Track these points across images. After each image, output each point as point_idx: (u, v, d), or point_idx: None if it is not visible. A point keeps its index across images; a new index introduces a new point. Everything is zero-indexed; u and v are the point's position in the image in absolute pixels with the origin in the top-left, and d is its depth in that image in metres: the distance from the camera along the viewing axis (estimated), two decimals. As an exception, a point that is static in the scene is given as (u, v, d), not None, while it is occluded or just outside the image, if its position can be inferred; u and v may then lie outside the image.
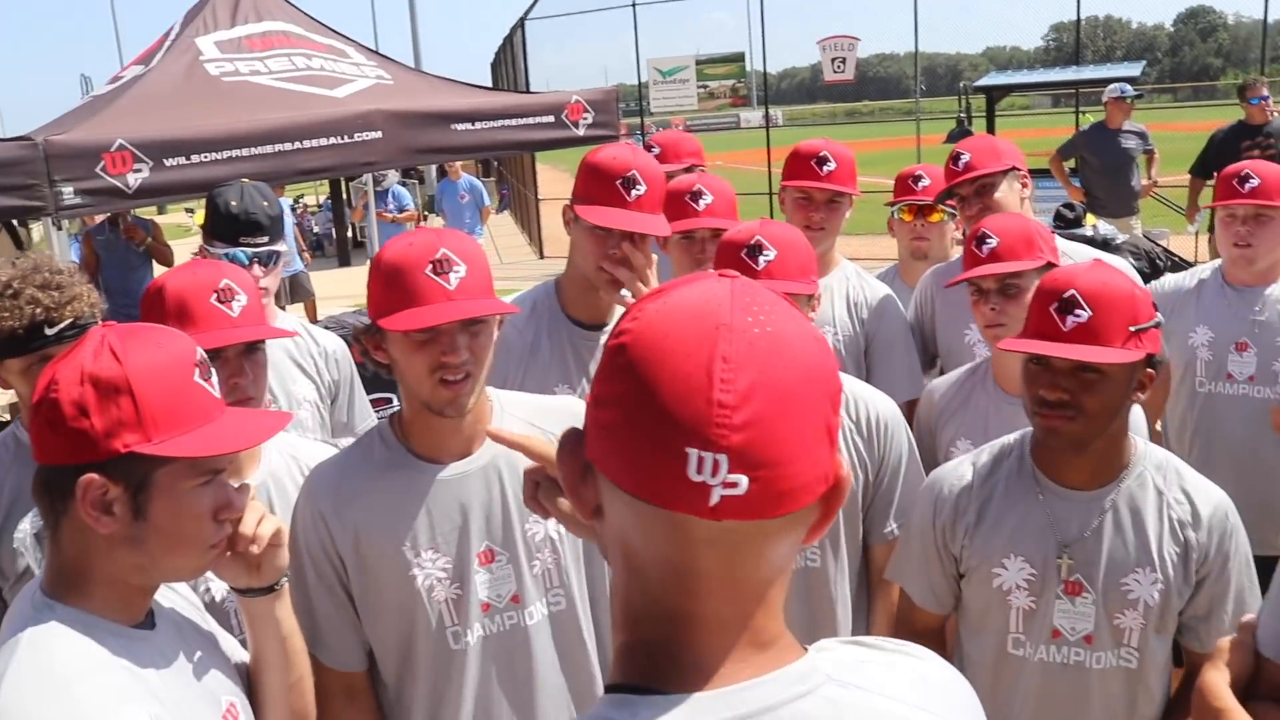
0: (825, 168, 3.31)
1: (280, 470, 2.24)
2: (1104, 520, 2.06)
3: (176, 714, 1.44)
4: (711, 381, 0.83)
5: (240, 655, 1.77)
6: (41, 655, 1.29)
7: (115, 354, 1.44)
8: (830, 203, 3.33)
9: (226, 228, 3.07)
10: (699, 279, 0.91)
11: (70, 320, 2.18)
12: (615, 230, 2.58)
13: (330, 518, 2.01)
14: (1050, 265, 2.57)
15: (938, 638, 2.30)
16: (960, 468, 2.23)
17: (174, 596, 1.70)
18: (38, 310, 2.15)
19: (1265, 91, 8.80)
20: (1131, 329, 1.97)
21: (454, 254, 1.89)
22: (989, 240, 2.62)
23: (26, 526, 2.24)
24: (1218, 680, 1.67)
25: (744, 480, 0.82)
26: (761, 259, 2.40)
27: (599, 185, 2.60)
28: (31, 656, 1.35)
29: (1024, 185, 3.29)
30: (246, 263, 2.94)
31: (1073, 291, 1.99)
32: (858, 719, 0.90)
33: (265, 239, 3.08)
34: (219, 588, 2.11)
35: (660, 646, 0.90)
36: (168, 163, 5.18)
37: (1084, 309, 1.97)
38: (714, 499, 0.83)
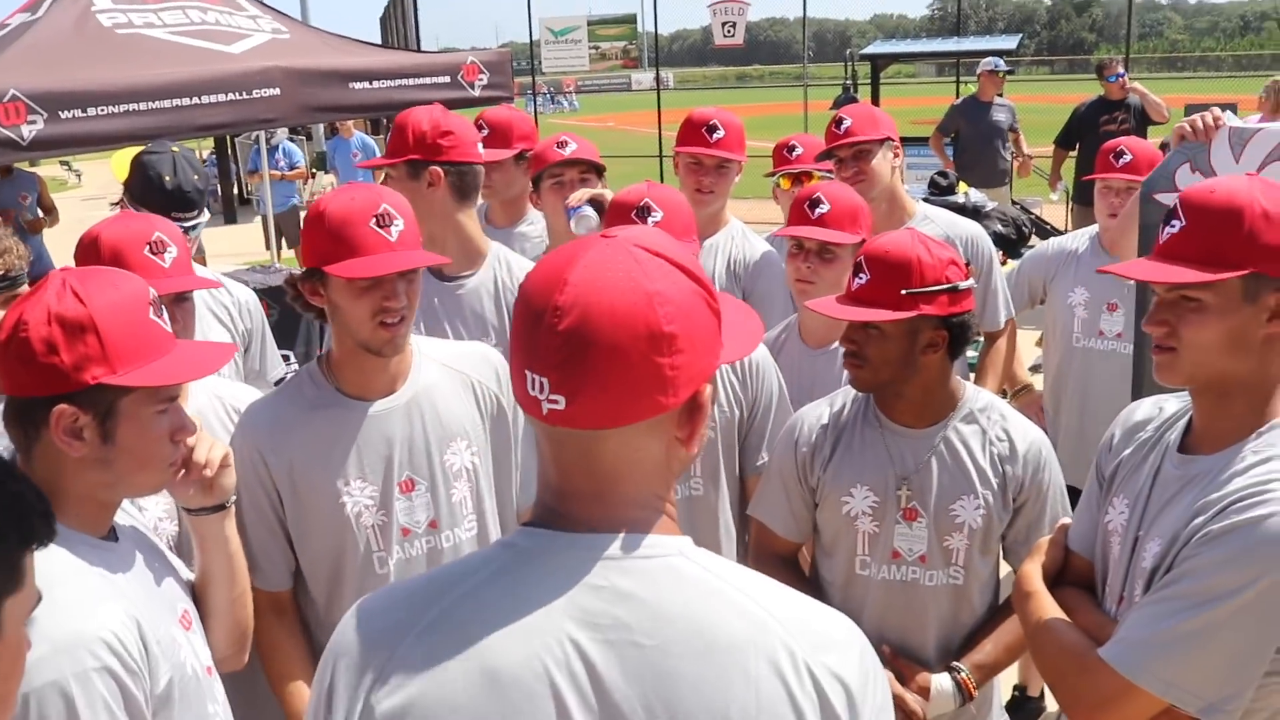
0: (715, 135, 3.55)
1: (205, 408, 2.38)
2: (934, 454, 2.34)
3: (143, 615, 1.60)
4: (542, 321, 1.08)
5: (186, 573, 1.94)
6: None
7: (78, 295, 1.59)
8: (719, 168, 3.57)
9: (157, 200, 3.16)
10: (588, 240, 1.15)
11: (2, 273, 2.28)
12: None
13: (266, 452, 2.18)
14: (863, 242, 2.81)
15: (792, 564, 2.56)
16: (818, 408, 2.49)
17: (128, 516, 1.86)
18: None
19: (1120, 69, 9.33)
20: (903, 292, 2.23)
21: (393, 208, 2.09)
22: (821, 205, 2.84)
23: None
24: (1031, 569, 2.00)
25: (562, 400, 1.08)
26: (650, 219, 2.62)
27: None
28: None
29: (896, 155, 3.56)
30: None
31: (860, 259, 2.30)
32: (687, 587, 1.10)
33: (194, 214, 3.20)
34: (151, 519, 2.25)
35: (548, 508, 1.16)
36: (63, 115, 5.17)
37: (864, 273, 2.27)
38: (543, 410, 1.09)
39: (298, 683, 2.22)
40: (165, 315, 1.71)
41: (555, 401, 1.08)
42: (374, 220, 2.07)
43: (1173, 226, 1.76)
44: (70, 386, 1.57)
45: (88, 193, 24.66)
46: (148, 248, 2.30)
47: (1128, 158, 3.77)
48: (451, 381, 2.32)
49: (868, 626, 2.31)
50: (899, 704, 2.22)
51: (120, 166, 5.34)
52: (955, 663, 2.31)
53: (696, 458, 1.19)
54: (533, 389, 1.09)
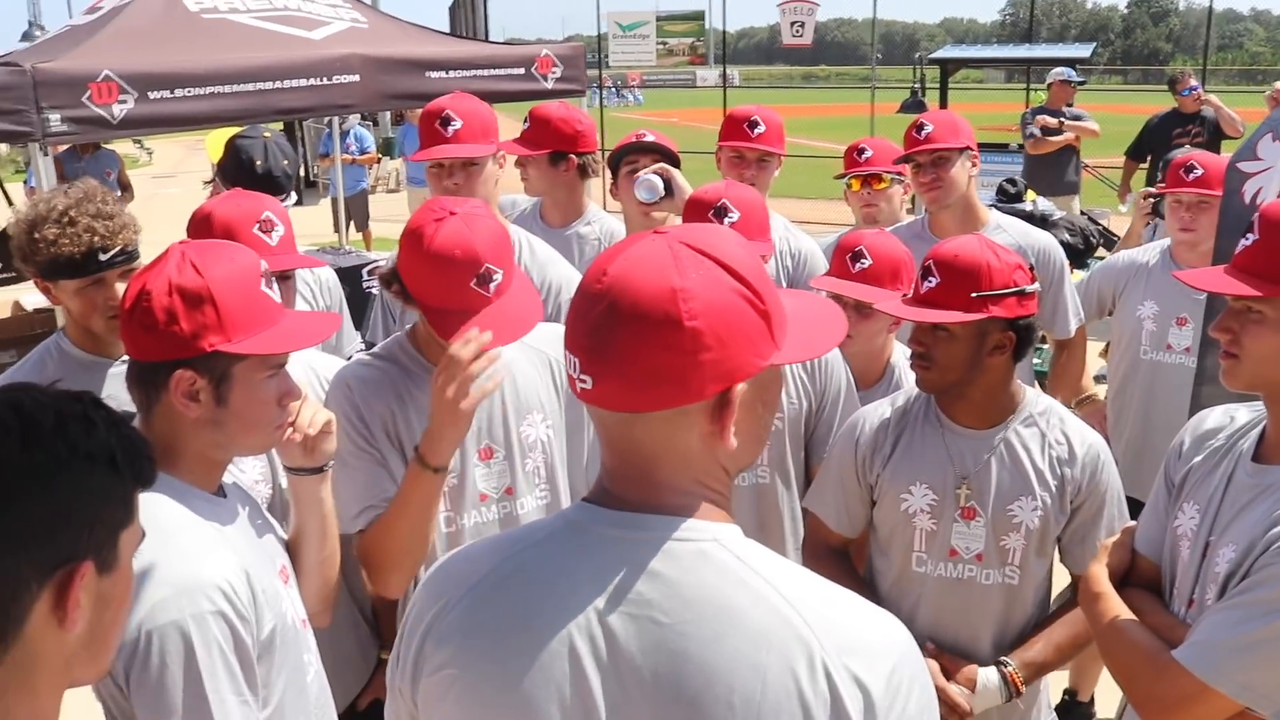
0: (756, 130, 3.68)
1: (301, 379, 2.47)
2: (993, 455, 2.38)
3: (250, 566, 1.72)
4: (580, 306, 1.17)
5: (281, 532, 2.04)
6: (147, 512, 1.54)
7: (196, 268, 1.70)
8: (760, 161, 3.69)
9: (247, 182, 3.30)
10: (639, 235, 1.21)
11: (120, 247, 2.41)
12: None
13: (365, 406, 2.26)
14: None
15: (843, 556, 2.61)
16: (880, 408, 2.54)
17: (232, 475, 1.97)
18: (94, 238, 2.37)
19: (1194, 83, 9.23)
20: (973, 295, 2.27)
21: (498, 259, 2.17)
22: (864, 259, 2.81)
23: None
24: (1098, 571, 2.04)
25: (590, 380, 1.15)
26: (727, 220, 2.68)
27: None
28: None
29: (974, 164, 3.59)
30: None
31: (930, 263, 2.34)
32: (713, 572, 1.13)
33: (281, 196, 3.34)
34: (247, 480, 2.35)
35: (602, 486, 1.22)
36: (152, 95, 5.32)
37: (935, 277, 2.31)
38: (578, 388, 1.17)
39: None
40: (275, 286, 1.81)
41: (584, 381, 1.16)
42: (474, 281, 2.12)
43: (1247, 240, 1.82)
44: (189, 352, 1.68)
45: (158, 170, 25.23)
46: (257, 226, 2.43)
47: (1198, 172, 3.76)
48: (530, 358, 2.41)
49: (921, 622, 2.38)
50: (943, 698, 2.26)
51: (215, 148, 5.49)
52: (1003, 657, 2.35)
53: (753, 453, 1.25)
54: (569, 368, 1.18)
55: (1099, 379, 5.07)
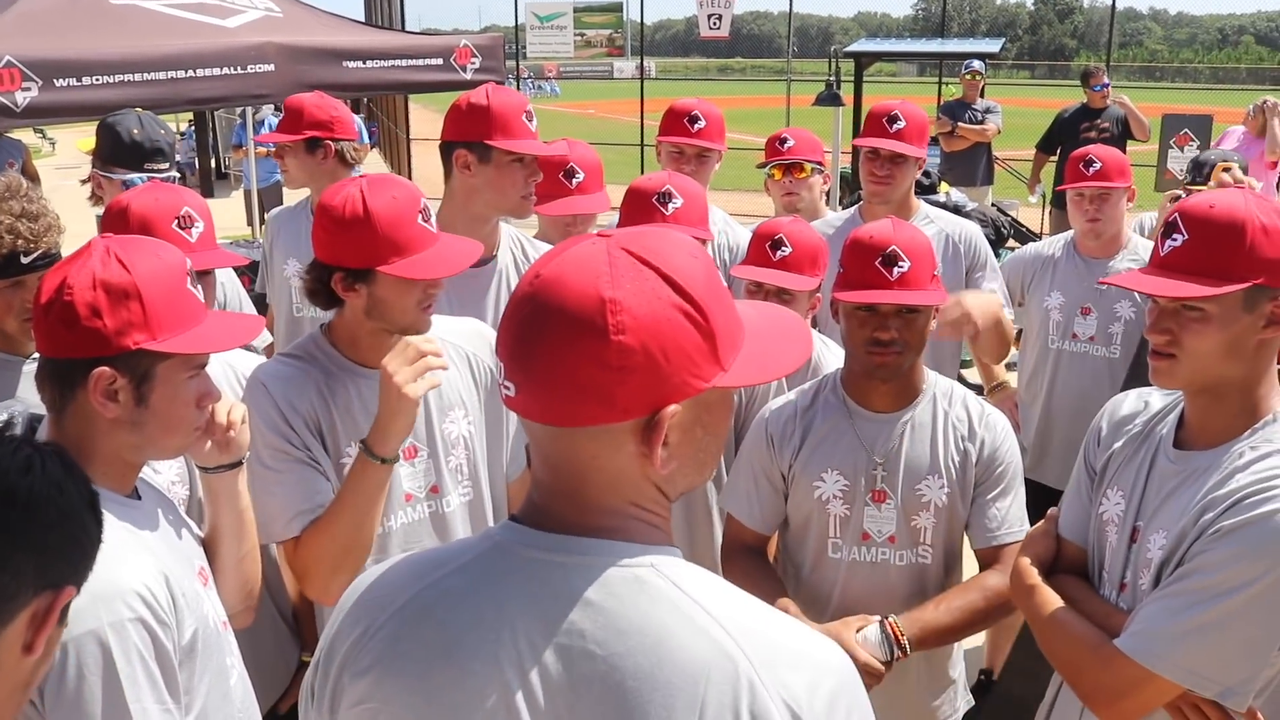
0: (696, 125, 3.70)
1: (218, 375, 2.44)
2: (902, 436, 2.44)
3: (169, 569, 1.67)
4: (509, 308, 1.12)
5: (198, 531, 2.00)
6: None
7: (122, 263, 1.65)
8: (700, 156, 3.71)
9: (130, 154, 3.23)
10: (581, 236, 1.16)
11: (43, 250, 2.30)
12: (527, 158, 2.76)
13: (285, 406, 2.22)
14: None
15: (759, 554, 2.63)
16: (784, 403, 2.58)
17: (148, 475, 1.92)
18: (17, 241, 2.26)
19: (1105, 79, 9.54)
20: (934, 273, 2.37)
21: (426, 201, 2.19)
22: (784, 247, 2.82)
23: (3, 417, 2.39)
24: (1026, 563, 2.09)
25: (512, 387, 1.10)
26: (670, 205, 2.70)
27: (512, 122, 2.75)
28: None
29: (919, 166, 3.69)
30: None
31: (894, 247, 2.34)
32: (648, 600, 1.07)
33: (166, 165, 3.27)
34: (164, 481, 2.32)
35: (533, 503, 1.16)
36: (58, 83, 5.18)
37: (905, 260, 2.33)
38: (502, 394, 1.13)
39: None
40: (199, 287, 1.77)
41: (508, 388, 1.11)
42: (419, 215, 2.14)
43: (1174, 240, 1.83)
44: (111, 350, 1.62)
45: (61, 161, 24.40)
46: (176, 221, 2.36)
47: (1097, 165, 3.88)
48: (448, 354, 2.38)
49: (838, 606, 2.43)
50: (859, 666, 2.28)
51: (87, 143, 5.38)
52: (893, 616, 2.33)
53: (694, 478, 1.18)
54: (497, 371, 1.13)
55: (1010, 367, 5.21)
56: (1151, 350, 1.87)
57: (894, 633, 2.30)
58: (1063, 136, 9.39)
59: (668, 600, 1.08)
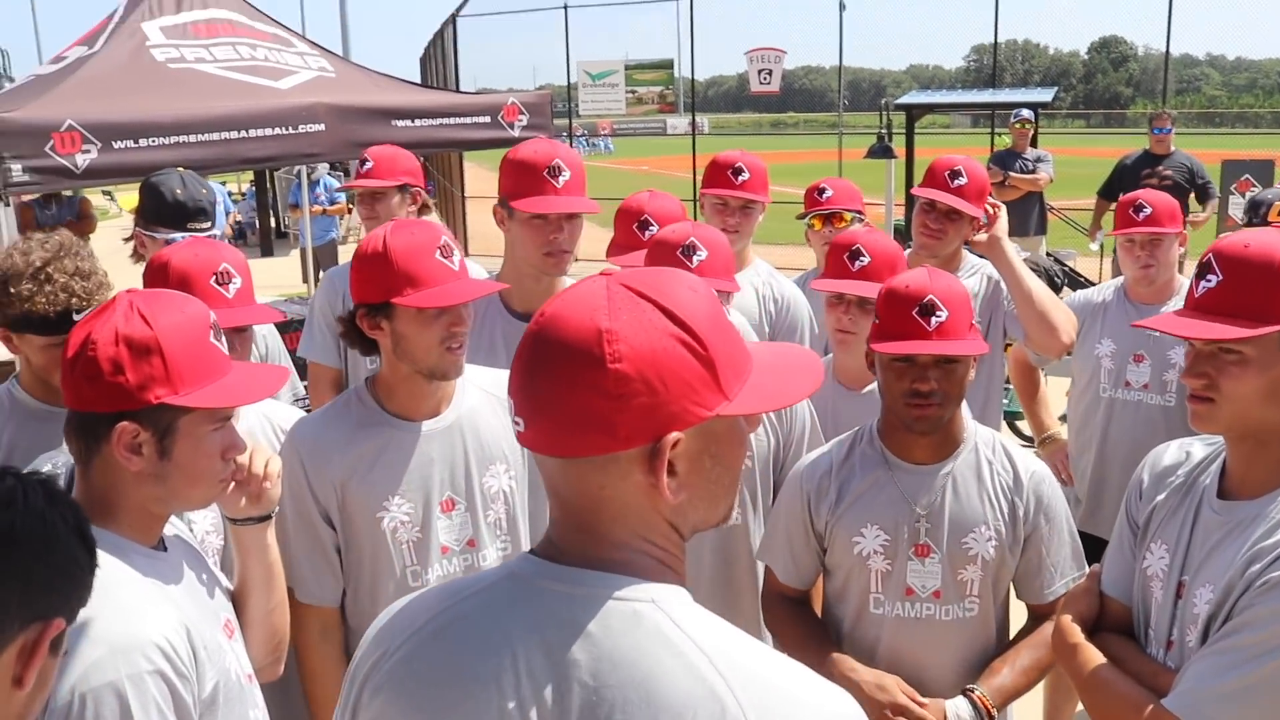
0: (740, 177, 3.67)
1: (255, 427, 2.46)
2: (945, 489, 2.38)
3: (191, 622, 1.67)
4: (517, 352, 1.16)
5: (227, 583, 2.00)
6: None
7: (144, 317, 1.67)
8: (744, 208, 3.68)
9: (172, 214, 3.28)
10: (586, 278, 1.19)
11: (94, 306, 2.33)
12: (552, 215, 2.82)
13: (312, 467, 2.27)
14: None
15: (800, 604, 2.58)
16: (819, 457, 2.53)
17: (177, 525, 1.93)
18: (71, 298, 2.33)
19: (1169, 125, 9.39)
20: (972, 322, 2.33)
21: (450, 239, 2.22)
22: (861, 257, 2.89)
23: (49, 469, 2.42)
24: (1069, 621, 2.01)
25: (522, 422, 1.14)
26: (695, 258, 2.68)
27: (528, 178, 2.86)
28: None
29: (973, 227, 3.57)
30: None
31: (931, 297, 2.30)
32: (644, 636, 1.08)
33: (209, 224, 3.31)
34: (199, 531, 2.33)
35: (549, 538, 1.19)
36: (116, 145, 5.31)
37: (942, 310, 2.29)
38: (515, 430, 1.16)
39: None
40: (223, 339, 1.78)
41: (519, 423, 1.15)
42: (438, 252, 2.17)
43: (1209, 281, 1.80)
44: (133, 404, 1.64)
45: (126, 222, 25.08)
46: (214, 278, 2.39)
47: (1148, 211, 3.81)
48: (493, 406, 2.40)
49: (882, 662, 2.37)
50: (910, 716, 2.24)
51: (131, 201, 5.50)
52: (970, 685, 2.33)
53: (709, 512, 1.19)
54: (510, 413, 1.17)
55: (1062, 419, 5.10)
56: (1190, 395, 1.82)
57: (984, 706, 2.29)
58: (1124, 184, 9.25)
59: (662, 636, 1.09)
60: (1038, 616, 2.45)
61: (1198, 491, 1.92)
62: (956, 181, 3.50)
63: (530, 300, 2.94)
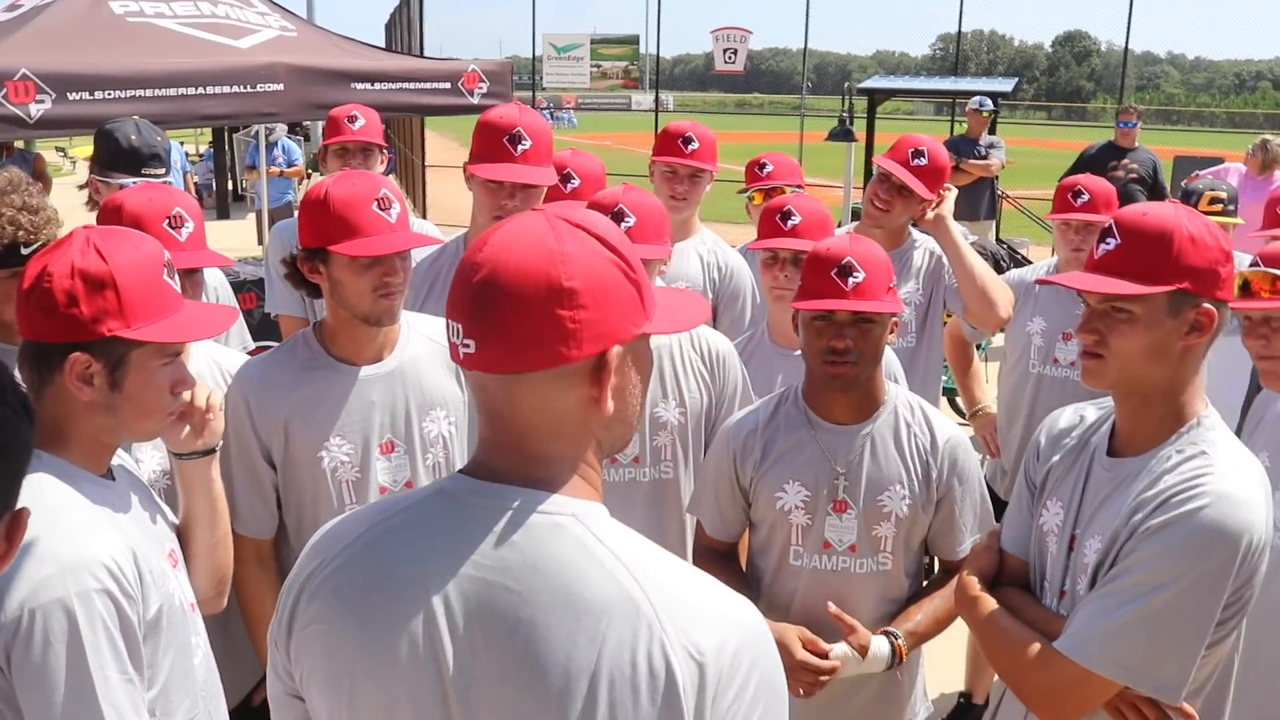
0: (690, 146, 3.77)
1: (204, 371, 2.52)
2: (864, 448, 2.49)
3: (137, 546, 1.73)
4: (462, 274, 1.22)
5: (172, 517, 2.06)
6: (34, 492, 1.54)
7: (100, 253, 1.72)
8: (693, 177, 3.77)
9: (127, 160, 3.31)
10: (520, 213, 1.29)
11: (43, 241, 2.34)
12: (505, 183, 2.89)
13: (256, 406, 2.35)
14: None
15: (727, 557, 2.69)
16: (746, 415, 2.63)
17: (123, 458, 1.98)
18: (19, 232, 2.32)
19: (1135, 120, 9.54)
20: (890, 285, 2.42)
21: (391, 193, 2.29)
22: (793, 216, 3.00)
23: None
24: (969, 576, 2.14)
25: (473, 343, 1.20)
26: (623, 224, 2.75)
27: (489, 143, 2.92)
28: (26, 493, 1.63)
29: (925, 207, 3.64)
30: None
31: (849, 259, 2.40)
32: (565, 545, 1.18)
33: (163, 170, 3.35)
34: (147, 470, 2.38)
35: (477, 459, 1.27)
36: (71, 96, 5.30)
37: (860, 271, 2.39)
38: (460, 354, 1.22)
39: None
40: (176, 277, 1.84)
41: (467, 346, 1.21)
42: (375, 204, 2.25)
43: (1108, 244, 1.92)
44: (87, 336, 1.70)
45: (82, 178, 24.69)
46: (167, 220, 2.43)
47: (1085, 197, 3.94)
48: (435, 354, 2.48)
49: (799, 612, 2.48)
50: (810, 670, 2.34)
51: (87, 149, 5.50)
52: (890, 628, 2.44)
53: (624, 428, 1.30)
54: (452, 335, 1.23)
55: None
56: (1082, 350, 1.94)
57: (899, 649, 2.42)
58: (1087, 173, 9.41)
59: (582, 545, 1.19)
60: (949, 570, 2.57)
61: (1089, 451, 2.04)
62: (917, 160, 3.60)
63: None
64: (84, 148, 26.23)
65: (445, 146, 29.86)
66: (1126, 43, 18.91)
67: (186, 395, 1.91)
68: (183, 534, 2.05)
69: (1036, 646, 1.91)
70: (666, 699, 1.12)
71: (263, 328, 5.13)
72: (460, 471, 1.28)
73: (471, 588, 1.18)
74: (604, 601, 1.15)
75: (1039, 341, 3.97)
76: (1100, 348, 1.90)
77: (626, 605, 1.14)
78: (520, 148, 2.84)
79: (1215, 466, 1.83)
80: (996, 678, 2.25)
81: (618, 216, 2.74)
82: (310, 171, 17.16)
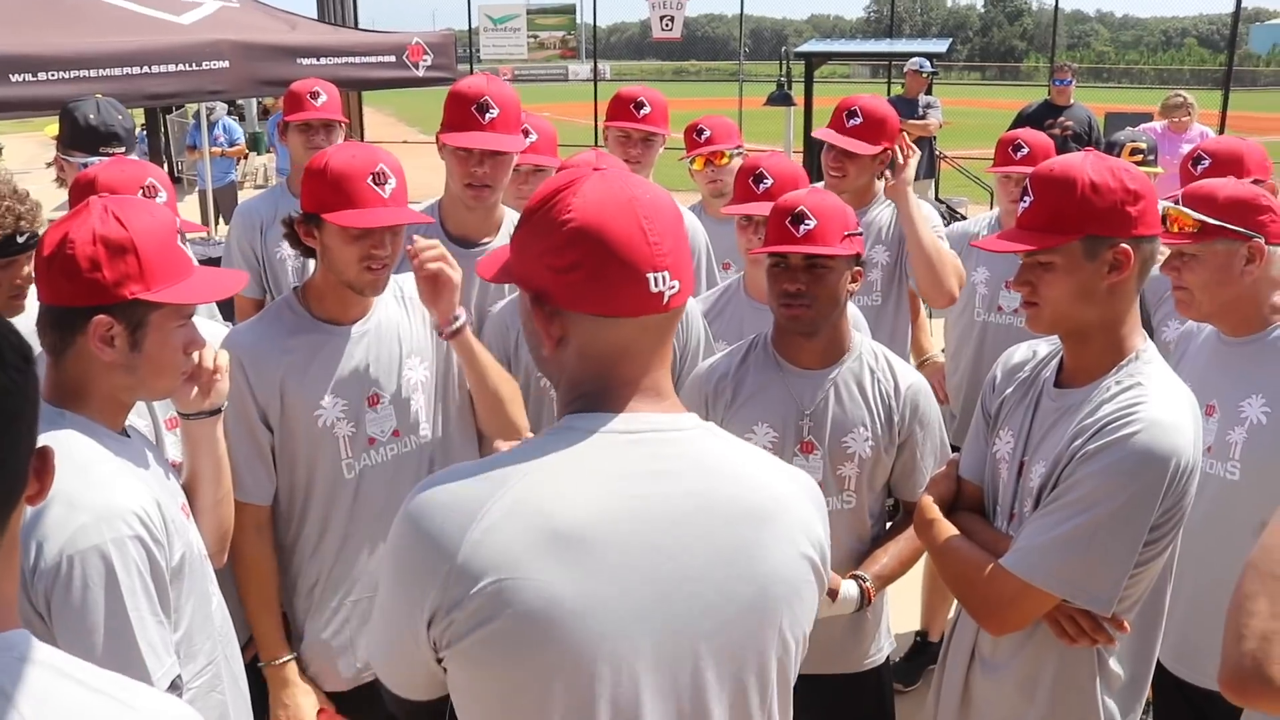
0: (641, 111, 3.90)
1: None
2: (830, 392, 2.63)
3: (159, 497, 1.83)
4: (646, 234, 1.30)
5: (177, 478, 2.14)
6: (63, 446, 1.62)
7: (120, 220, 1.79)
8: (645, 140, 3.91)
9: (87, 138, 3.36)
10: (578, 175, 1.34)
11: (33, 232, 2.42)
12: (475, 150, 2.97)
13: (253, 370, 2.42)
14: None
15: None
16: (717, 361, 2.76)
17: (134, 418, 2.07)
18: (19, 222, 2.39)
19: (1070, 78, 9.80)
20: (845, 234, 2.54)
21: (388, 168, 2.36)
22: (765, 180, 3.11)
23: None
24: (928, 499, 2.28)
25: (677, 283, 1.32)
26: (487, 116, 2.88)
27: (457, 111, 2.99)
28: (54, 446, 1.70)
29: (879, 164, 3.76)
30: None
31: (802, 207, 2.53)
32: (718, 447, 1.36)
33: (123, 149, 3.39)
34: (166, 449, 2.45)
35: (597, 397, 1.34)
36: (13, 79, 5.21)
37: (811, 219, 2.52)
38: (666, 299, 1.31)
39: (271, 606, 2.51)
40: (187, 244, 1.92)
41: (673, 287, 1.32)
42: (371, 177, 2.32)
43: (1025, 202, 2.06)
44: (108, 299, 1.77)
45: (9, 164, 24.14)
46: (141, 191, 2.51)
47: (1025, 150, 4.10)
48: (408, 309, 2.59)
49: None
50: None
51: (53, 129, 5.46)
52: (858, 572, 2.59)
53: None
54: (655, 286, 1.30)
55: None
56: (1021, 300, 2.09)
57: (867, 591, 2.55)
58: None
59: (726, 445, 1.39)
60: (909, 511, 2.70)
61: (1039, 383, 2.19)
62: (851, 122, 3.70)
63: (464, 226, 3.06)
64: (8, 134, 25.62)
65: (384, 121, 29.54)
66: (1057, 1, 19.22)
67: (196, 356, 2.00)
68: (188, 492, 2.13)
69: (983, 563, 2.05)
70: None
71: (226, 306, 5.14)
72: (575, 413, 1.34)
73: (657, 499, 1.31)
74: (781, 503, 1.39)
75: (983, 290, 4.13)
76: (1034, 297, 2.05)
77: (791, 505, 1.41)
78: (488, 116, 2.91)
79: (1148, 396, 1.97)
80: (951, 613, 2.40)
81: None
82: (249, 151, 16.97)
